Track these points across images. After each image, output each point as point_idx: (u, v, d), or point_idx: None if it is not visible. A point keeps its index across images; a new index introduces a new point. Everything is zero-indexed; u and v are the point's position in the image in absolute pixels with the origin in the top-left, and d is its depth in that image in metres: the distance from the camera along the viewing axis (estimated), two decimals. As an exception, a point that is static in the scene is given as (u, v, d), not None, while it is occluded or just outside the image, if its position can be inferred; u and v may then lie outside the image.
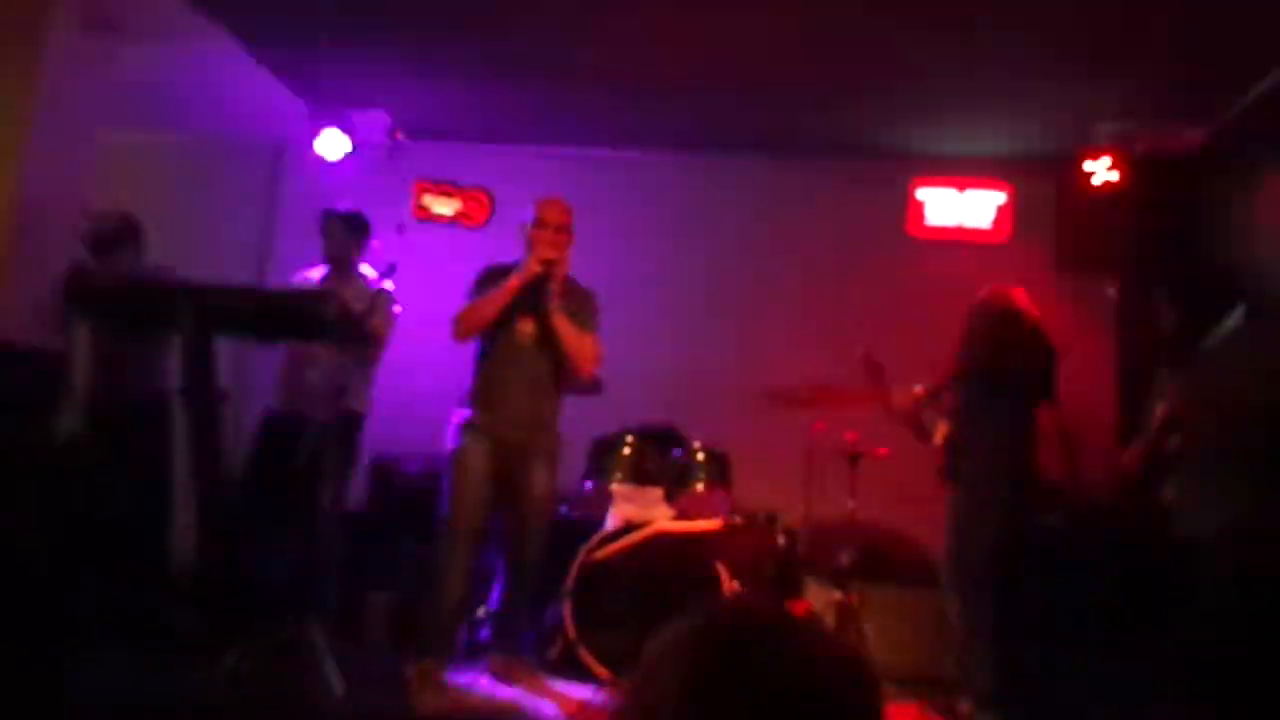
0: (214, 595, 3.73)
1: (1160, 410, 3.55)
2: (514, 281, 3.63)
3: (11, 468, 3.73)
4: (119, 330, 4.32)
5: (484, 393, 3.73)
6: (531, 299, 3.69)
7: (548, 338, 3.70)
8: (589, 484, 4.35)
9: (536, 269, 3.62)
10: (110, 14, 4.35)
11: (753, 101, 5.19)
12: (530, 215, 3.75)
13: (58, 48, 4.13)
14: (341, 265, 4.51)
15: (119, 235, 4.37)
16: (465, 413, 3.74)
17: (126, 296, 3.90)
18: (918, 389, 3.69)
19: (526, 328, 3.72)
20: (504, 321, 3.69)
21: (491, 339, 3.74)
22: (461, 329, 3.70)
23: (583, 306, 3.81)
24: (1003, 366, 3.52)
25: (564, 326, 3.67)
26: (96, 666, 3.22)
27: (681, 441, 4.46)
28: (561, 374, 3.79)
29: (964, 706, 3.45)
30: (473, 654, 3.93)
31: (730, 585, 3.87)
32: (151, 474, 4.30)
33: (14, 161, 4.00)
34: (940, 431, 3.76)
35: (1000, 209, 5.35)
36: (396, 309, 4.31)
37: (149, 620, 3.70)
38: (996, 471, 3.49)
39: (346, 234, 4.53)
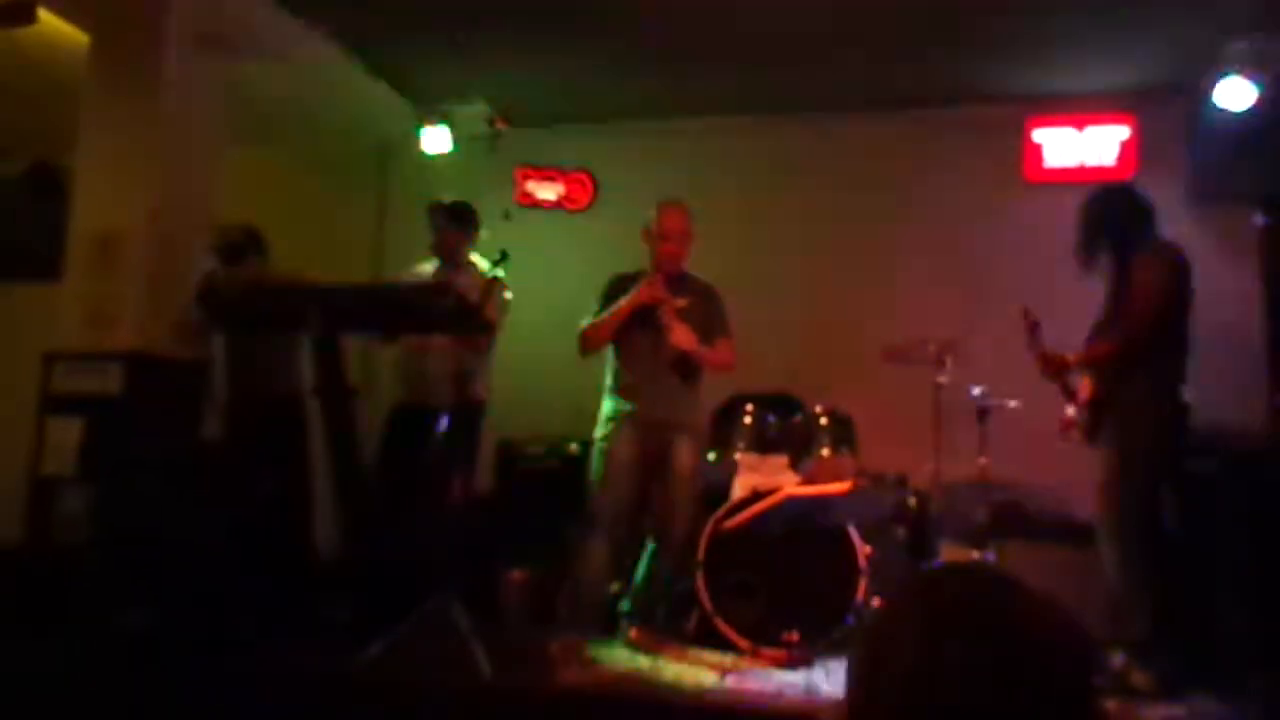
0: (359, 582, 3.88)
1: None
2: (624, 305, 3.89)
3: (165, 473, 3.95)
4: (252, 335, 4.51)
5: (624, 382, 3.94)
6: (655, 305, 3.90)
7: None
8: (712, 454, 4.34)
9: (643, 300, 3.88)
10: (222, 34, 4.51)
11: (858, 55, 5.05)
12: (651, 214, 4.00)
13: (177, 72, 4.31)
14: (452, 256, 4.58)
15: (246, 244, 4.56)
16: (610, 402, 3.94)
17: (258, 302, 4.07)
18: (1070, 356, 3.54)
19: (660, 322, 3.89)
20: (637, 316, 3.89)
21: (628, 335, 3.93)
22: (586, 346, 3.97)
23: (710, 311, 3.99)
24: (1171, 318, 3.38)
25: (695, 353, 3.88)
26: (252, 656, 3.39)
27: (799, 407, 4.41)
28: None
29: (1118, 659, 3.31)
30: (610, 628, 3.98)
31: (863, 549, 3.81)
32: (293, 470, 4.49)
33: (146, 180, 4.21)
34: (1084, 389, 3.61)
35: (1124, 144, 5.06)
36: (508, 295, 4.37)
37: (299, 610, 3.87)
38: (1150, 419, 3.35)
39: (453, 225, 4.59)
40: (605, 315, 3.93)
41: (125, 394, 4.03)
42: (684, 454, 3.88)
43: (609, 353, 4.03)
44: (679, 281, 4.00)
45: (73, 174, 4.46)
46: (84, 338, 4.13)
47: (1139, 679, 3.21)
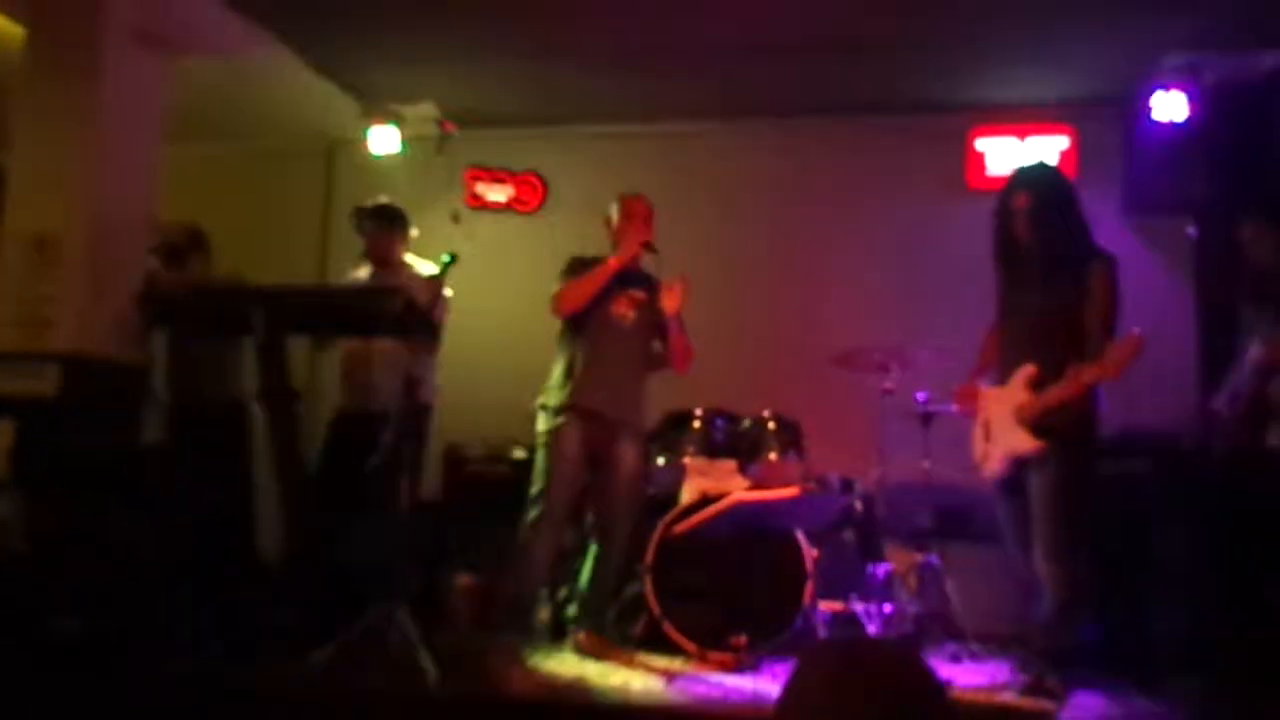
0: (304, 588, 3.83)
1: (1255, 353, 3.41)
2: (614, 262, 3.82)
3: (102, 477, 3.86)
4: (195, 337, 4.43)
5: (580, 374, 3.83)
6: (625, 282, 3.86)
7: (643, 321, 3.88)
8: (661, 459, 4.36)
9: (637, 250, 3.84)
10: (162, 30, 4.42)
11: (803, 62, 5.10)
12: (615, 208, 3.99)
13: (115, 68, 4.21)
14: (384, 259, 4.52)
15: (188, 246, 4.48)
16: (558, 395, 3.83)
17: (201, 304, 4.01)
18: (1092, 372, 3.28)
19: (621, 309, 3.87)
20: (600, 304, 3.84)
21: (586, 321, 3.86)
22: (565, 304, 3.86)
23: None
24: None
25: (675, 325, 3.84)
26: (193, 663, 3.33)
27: (740, 417, 4.44)
28: (651, 355, 3.95)
29: (1040, 666, 3.36)
30: (558, 632, 3.98)
31: (810, 552, 3.85)
32: (235, 475, 4.42)
33: (83, 179, 4.11)
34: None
35: (1064, 154, 5.19)
36: (448, 293, 4.34)
37: (243, 617, 3.81)
38: (1090, 434, 3.38)
39: (382, 228, 4.54)
40: (591, 274, 3.83)
41: (61, 396, 3.93)
42: (629, 454, 3.84)
43: (560, 343, 3.96)
44: (640, 275, 3.97)
45: (7, 170, 4.34)
46: (18, 339, 4.02)
47: (1053, 683, 3.25)
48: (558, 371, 3.90)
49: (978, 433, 3.52)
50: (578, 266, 3.92)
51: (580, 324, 3.87)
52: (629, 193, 4.04)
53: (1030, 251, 3.39)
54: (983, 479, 3.51)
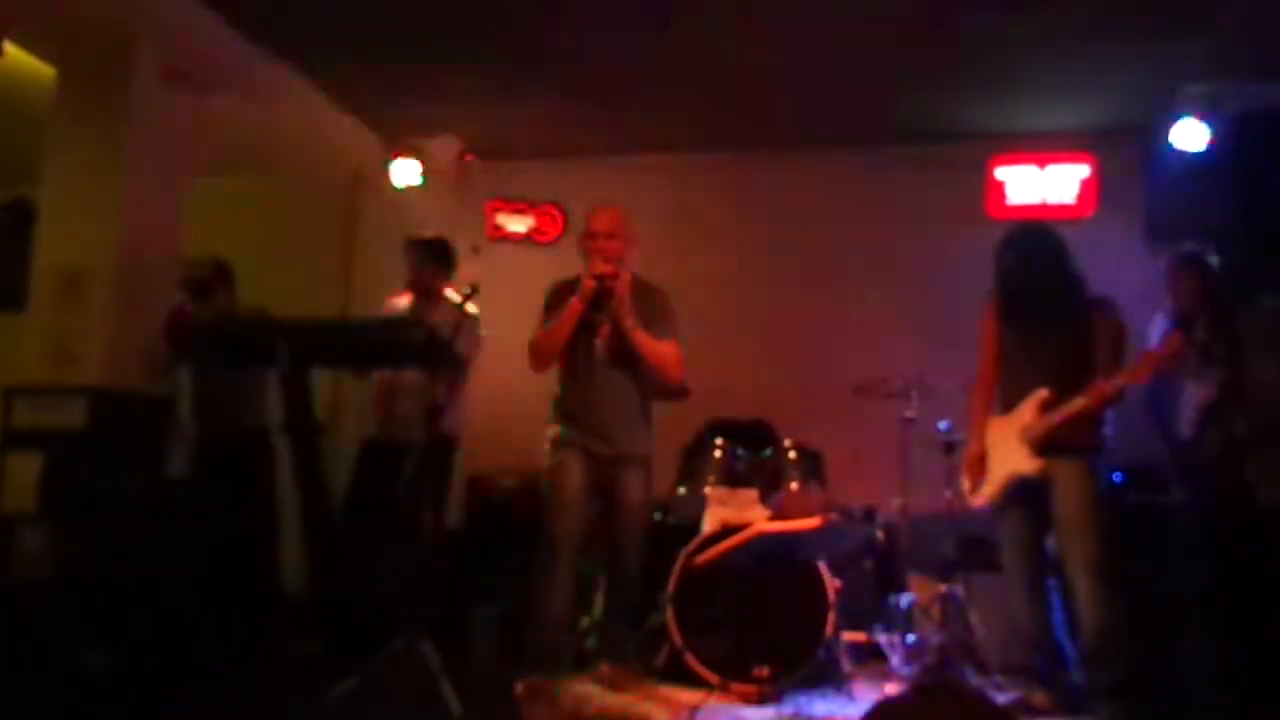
0: (327, 619, 3.84)
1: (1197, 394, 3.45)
2: (575, 303, 3.65)
3: (128, 508, 3.90)
4: (219, 370, 4.48)
5: (569, 409, 3.77)
6: (600, 311, 3.69)
7: (625, 348, 3.70)
8: (682, 489, 4.36)
9: (591, 284, 3.63)
10: (189, 66, 4.51)
11: (824, 93, 5.15)
12: (583, 226, 3.83)
13: (144, 107, 4.30)
14: (425, 291, 4.58)
15: (214, 279, 4.54)
16: (554, 429, 3.79)
17: (225, 337, 4.05)
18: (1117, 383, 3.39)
19: (602, 341, 3.72)
20: (579, 338, 3.72)
21: (570, 356, 3.76)
22: (538, 360, 3.74)
23: (657, 311, 3.79)
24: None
25: (642, 341, 3.67)
26: (218, 695, 3.34)
27: (772, 438, 4.44)
28: (647, 381, 3.81)
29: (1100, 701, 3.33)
30: (580, 665, 3.96)
31: (832, 583, 3.83)
32: (259, 506, 4.45)
33: (112, 215, 4.19)
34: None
35: (1084, 182, 5.19)
36: (482, 333, 4.38)
37: (266, 647, 3.82)
38: (1107, 454, 3.41)
39: (429, 260, 4.59)
40: (558, 318, 3.68)
41: (90, 429, 3.98)
42: (632, 486, 3.74)
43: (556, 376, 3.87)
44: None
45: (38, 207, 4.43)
46: (47, 372, 4.08)
47: (1041, 699, 3.23)
48: (556, 405, 3.82)
49: (967, 463, 3.65)
50: (556, 296, 3.77)
51: (566, 358, 3.77)
52: (595, 206, 3.84)
53: (1033, 302, 3.53)
54: (974, 507, 3.64)
